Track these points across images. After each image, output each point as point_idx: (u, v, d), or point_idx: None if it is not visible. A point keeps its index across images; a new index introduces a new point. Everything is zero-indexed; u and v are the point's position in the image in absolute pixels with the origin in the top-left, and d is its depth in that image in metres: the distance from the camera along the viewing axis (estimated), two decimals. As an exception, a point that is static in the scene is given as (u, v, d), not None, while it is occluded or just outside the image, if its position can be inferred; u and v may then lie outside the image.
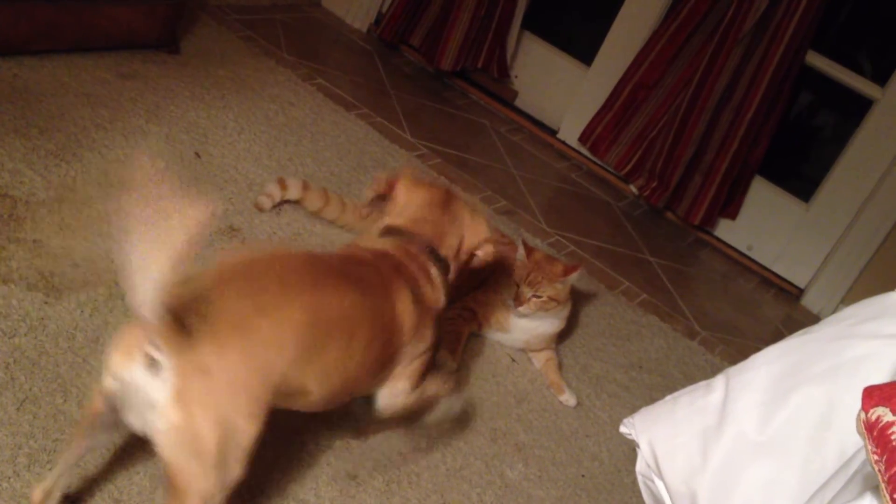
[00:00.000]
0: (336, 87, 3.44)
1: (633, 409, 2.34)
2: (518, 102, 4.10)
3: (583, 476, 2.14)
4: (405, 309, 1.67)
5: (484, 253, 1.89)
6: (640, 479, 1.70)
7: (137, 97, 2.72)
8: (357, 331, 1.54)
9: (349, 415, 1.95)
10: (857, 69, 3.49)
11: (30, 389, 1.66)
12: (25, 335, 1.76)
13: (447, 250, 1.81)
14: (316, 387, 1.49)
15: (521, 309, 2.32)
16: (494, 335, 2.43)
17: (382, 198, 1.87)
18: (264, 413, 1.36)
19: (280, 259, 1.52)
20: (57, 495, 1.44)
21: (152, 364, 1.26)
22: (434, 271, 1.77)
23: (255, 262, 1.48)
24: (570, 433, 2.25)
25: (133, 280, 1.17)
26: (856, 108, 3.52)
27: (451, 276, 1.84)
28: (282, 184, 2.50)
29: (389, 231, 1.81)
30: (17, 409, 1.62)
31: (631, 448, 1.98)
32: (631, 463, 2.07)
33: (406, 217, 1.82)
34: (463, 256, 1.87)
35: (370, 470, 1.85)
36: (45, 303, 1.85)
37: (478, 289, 2.43)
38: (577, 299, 2.71)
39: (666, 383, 2.63)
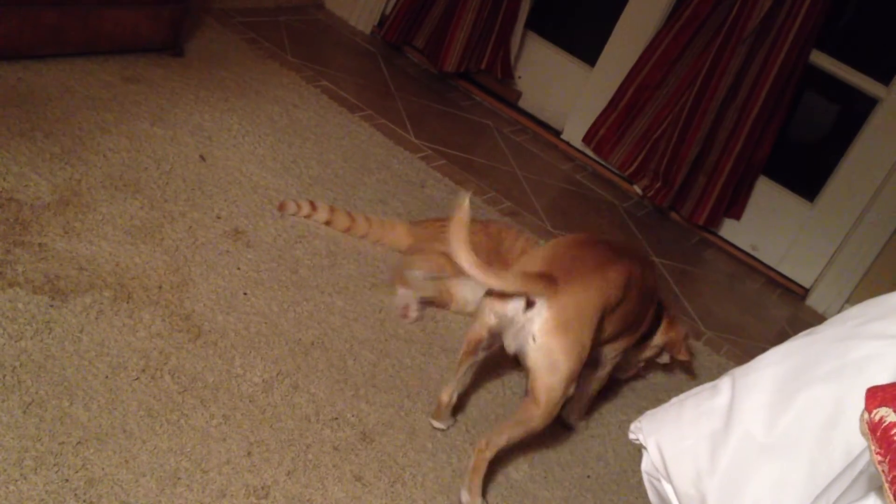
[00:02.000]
0: (340, 89, 3.44)
1: (639, 410, 2.36)
2: (522, 103, 4.10)
3: (588, 477, 2.14)
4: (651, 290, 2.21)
5: None
6: (645, 478, 1.70)
7: (142, 100, 2.72)
8: (638, 296, 2.06)
9: (350, 422, 1.95)
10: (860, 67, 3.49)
11: (36, 392, 1.67)
12: (31, 338, 1.77)
13: None
14: (609, 328, 1.97)
15: None
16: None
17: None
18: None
19: (599, 239, 2.07)
20: (454, 400, 2.03)
21: (529, 304, 1.78)
22: None
23: (583, 239, 2.02)
24: (575, 434, 2.25)
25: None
26: (860, 108, 3.52)
27: None
28: (312, 205, 2.54)
29: None
30: (24, 412, 1.62)
31: (636, 448, 1.99)
32: (636, 463, 2.08)
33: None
34: None
35: (376, 471, 1.85)
36: (51, 306, 1.86)
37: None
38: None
39: (671, 384, 2.63)
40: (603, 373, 2.22)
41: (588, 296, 1.84)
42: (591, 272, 1.87)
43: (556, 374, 1.80)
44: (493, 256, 2.48)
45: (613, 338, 2.05)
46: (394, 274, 2.45)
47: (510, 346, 1.84)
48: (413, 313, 2.36)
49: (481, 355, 1.96)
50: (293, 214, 2.53)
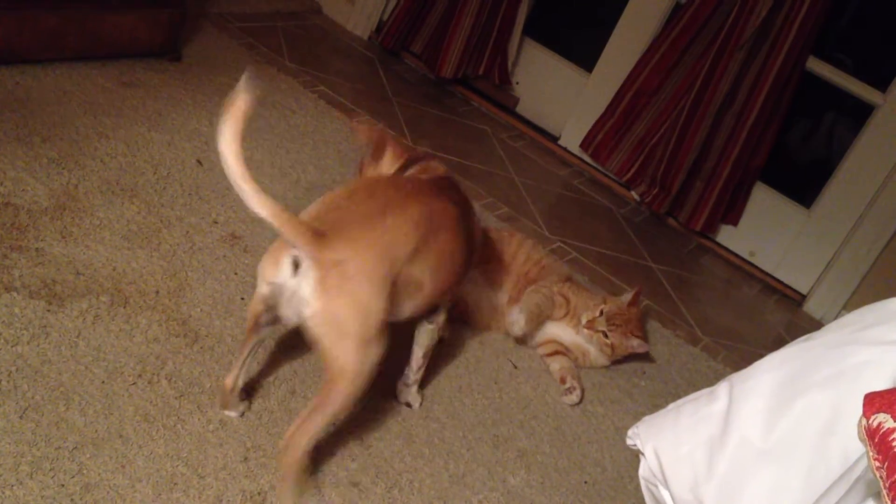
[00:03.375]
0: (338, 94, 3.44)
1: (637, 416, 2.35)
2: (519, 109, 4.11)
3: (585, 482, 2.13)
4: (474, 220, 1.97)
5: None
6: (643, 483, 1.70)
7: (139, 105, 2.72)
8: (455, 231, 1.81)
9: (346, 427, 1.95)
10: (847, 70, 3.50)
11: (32, 397, 1.66)
12: (28, 343, 1.76)
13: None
14: (428, 279, 1.72)
15: (585, 331, 2.49)
16: (555, 327, 2.52)
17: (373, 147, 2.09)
18: (390, 297, 1.61)
19: (385, 178, 1.88)
20: (240, 384, 1.80)
21: (296, 265, 1.54)
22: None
23: (367, 182, 1.79)
24: (572, 439, 2.25)
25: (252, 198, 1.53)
26: (857, 114, 3.52)
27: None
28: None
29: (411, 161, 2.02)
30: (20, 417, 1.62)
31: (633, 454, 1.98)
32: (634, 469, 2.07)
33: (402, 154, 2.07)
34: None
35: (373, 477, 1.85)
36: (48, 311, 1.85)
37: (564, 283, 2.57)
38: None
39: (668, 389, 2.63)
40: (433, 326, 2.00)
41: (365, 246, 1.57)
42: (367, 219, 1.61)
43: (344, 340, 1.55)
44: (497, 263, 2.47)
45: (439, 288, 1.80)
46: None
47: (289, 318, 1.60)
48: None
49: (265, 333, 1.73)
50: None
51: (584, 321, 2.49)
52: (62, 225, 2.10)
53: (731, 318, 3.29)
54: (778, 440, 1.48)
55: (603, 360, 2.56)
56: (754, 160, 3.58)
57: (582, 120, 3.84)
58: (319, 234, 1.53)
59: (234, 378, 1.79)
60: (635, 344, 2.51)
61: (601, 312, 2.48)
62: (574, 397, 2.37)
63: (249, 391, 1.89)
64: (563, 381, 2.41)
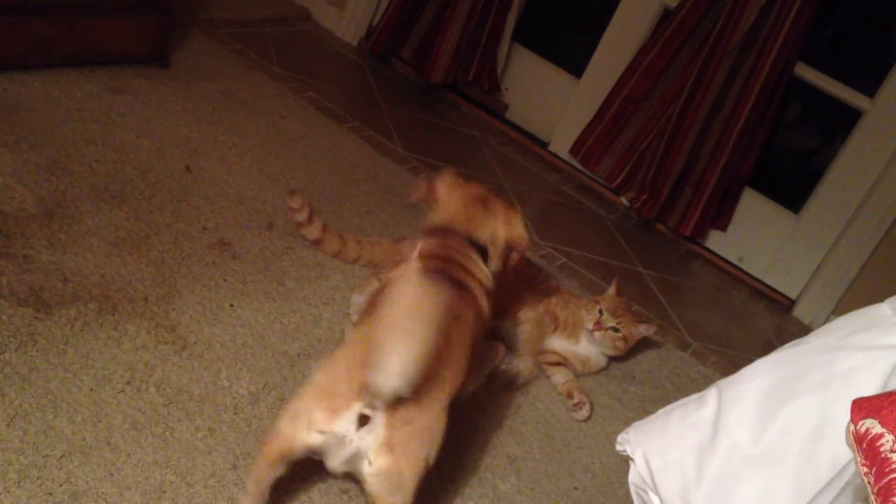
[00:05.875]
0: (327, 100, 3.44)
1: (626, 421, 2.35)
2: (509, 115, 4.11)
3: (576, 488, 2.13)
4: (483, 301, 1.86)
5: (517, 248, 2.03)
6: (633, 489, 1.70)
7: (128, 111, 2.72)
8: (475, 330, 1.78)
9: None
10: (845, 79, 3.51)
11: (20, 405, 1.66)
12: (16, 350, 1.76)
13: (484, 239, 1.95)
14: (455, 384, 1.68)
15: (596, 333, 2.45)
16: (551, 342, 2.50)
17: (424, 201, 2.04)
18: None
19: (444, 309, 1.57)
20: None
21: (363, 420, 1.49)
22: (475, 256, 1.91)
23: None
24: (562, 445, 2.25)
25: (387, 358, 1.39)
26: (845, 120, 3.54)
27: (493, 265, 1.95)
28: (311, 217, 2.44)
29: (432, 231, 1.95)
30: (8, 424, 1.61)
31: (623, 459, 1.98)
32: (624, 475, 2.07)
33: (446, 214, 1.97)
34: (499, 245, 1.97)
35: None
36: (36, 318, 1.85)
37: (549, 301, 2.52)
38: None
39: (658, 395, 2.63)
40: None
41: (430, 402, 1.56)
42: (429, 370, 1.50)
43: (401, 492, 1.56)
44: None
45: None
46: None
47: (336, 467, 1.55)
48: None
49: (283, 469, 1.60)
50: (294, 209, 2.42)
51: (589, 326, 2.46)
52: (50, 232, 2.09)
53: (721, 324, 3.29)
54: (767, 445, 1.48)
55: (602, 363, 2.55)
56: (743, 166, 3.59)
57: (571, 126, 3.85)
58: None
59: None
60: (643, 329, 2.51)
61: (601, 312, 2.46)
62: (585, 412, 2.36)
63: None
64: (570, 395, 2.39)
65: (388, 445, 1.51)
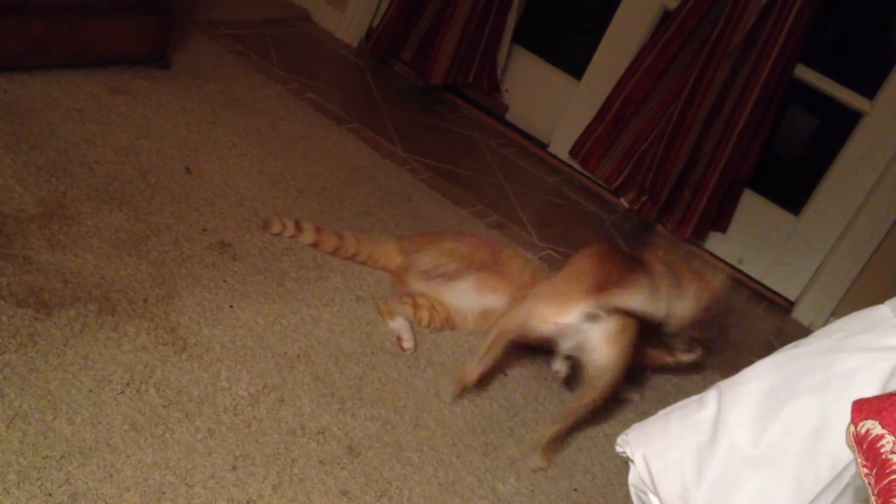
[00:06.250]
0: (327, 101, 3.44)
1: (626, 423, 2.35)
2: (509, 116, 4.11)
3: (575, 490, 2.13)
4: None
5: None
6: (632, 491, 1.70)
7: (128, 112, 2.72)
8: None
9: (336, 435, 1.95)
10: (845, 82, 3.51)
11: (20, 406, 1.65)
12: (15, 351, 1.75)
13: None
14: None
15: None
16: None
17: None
18: None
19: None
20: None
21: (593, 317, 2.00)
22: None
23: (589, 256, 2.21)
24: (561, 446, 2.25)
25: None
26: (845, 121, 3.54)
27: None
28: (298, 226, 2.48)
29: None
30: (7, 426, 1.61)
31: (623, 461, 1.98)
32: (623, 476, 2.07)
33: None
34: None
35: (362, 485, 1.85)
36: (35, 319, 1.85)
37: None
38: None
39: (658, 396, 2.63)
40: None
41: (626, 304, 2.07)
42: (619, 282, 2.09)
43: (610, 373, 2.05)
44: (496, 279, 2.48)
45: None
46: (382, 305, 2.42)
47: (563, 350, 2.09)
48: (407, 343, 2.32)
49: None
50: (277, 234, 2.48)
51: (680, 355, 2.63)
52: (50, 233, 2.09)
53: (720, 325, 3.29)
54: (767, 447, 1.48)
55: None
56: (743, 167, 3.59)
57: (571, 127, 3.85)
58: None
59: (478, 373, 2.19)
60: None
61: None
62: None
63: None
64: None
65: (610, 339, 2.01)
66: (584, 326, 2.01)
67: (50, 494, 1.53)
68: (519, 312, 2.11)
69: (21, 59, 2.64)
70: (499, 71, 4.02)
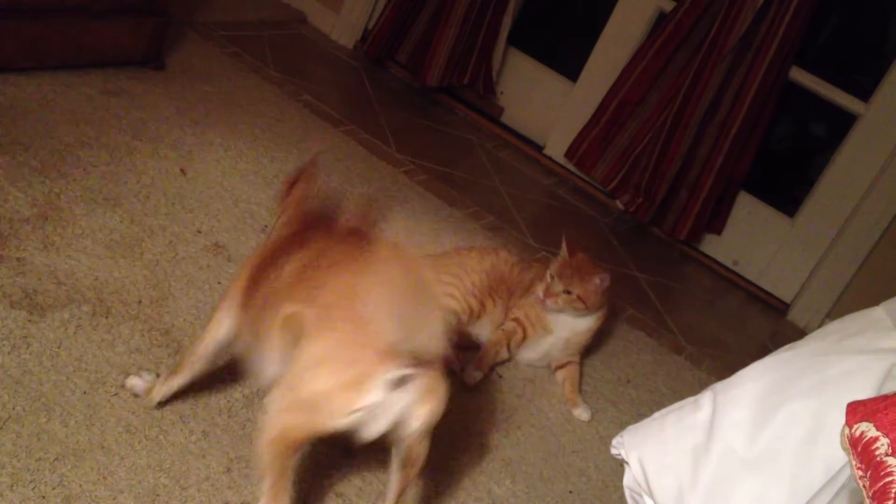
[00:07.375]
0: (322, 103, 3.44)
1: (621, 425, 2.35)
2: (504, 118, 4.11)
3: (570, 492, 2.13)
4: None
5: None
6: (627, 493, 1.70)
7: (123, 114, 2.71)
8: None
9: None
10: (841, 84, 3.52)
11: (13, 408, 1.65)
12: (9, 353, 1.75)
13: None
14: None
15: (548, 302, 2.36)
16: (531, 351, 2.47)
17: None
18: None
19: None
20: None
21: (400, 381, 1.44)
22: None
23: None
24: (557, 449, 2.25)
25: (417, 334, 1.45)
26: (840, 124, 3.55)
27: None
28: None
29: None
30: (0, 428, 1.60)
31: (618, 463, 1.98)
32: (618, 478, 2.07)
33: None
34: None
35: (357, 488, 1.84)
36: (29, 321, 1.84)
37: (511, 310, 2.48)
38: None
39: (653, 398, 2.63)
40: None
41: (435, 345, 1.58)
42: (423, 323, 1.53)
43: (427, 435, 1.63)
44: (498, 286, 2.46)
45: None
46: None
47: (372, 435, 1.53)
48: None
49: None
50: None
51: (540, 295, 2.36)
52: (44, 234, 2.08)
53: (716, 327, 3.30)
54: (762, 449, 1.48)
55: (586, 325, 2.46)
56: (738, 169, 3.60)
57: (567, 129, 3.85)
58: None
59: None
60: (598, 281, 2.37)
61: (551, 277, 2.37)
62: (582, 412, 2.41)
63: None
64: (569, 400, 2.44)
65: (431, 390, 1.51)
66: (395, 398, 1.47)
67: (44, 497, 1.53)
68: (295, 415, 1.48)
69: (16, 61, 2.63)
70: (494, 73, 4.02)
